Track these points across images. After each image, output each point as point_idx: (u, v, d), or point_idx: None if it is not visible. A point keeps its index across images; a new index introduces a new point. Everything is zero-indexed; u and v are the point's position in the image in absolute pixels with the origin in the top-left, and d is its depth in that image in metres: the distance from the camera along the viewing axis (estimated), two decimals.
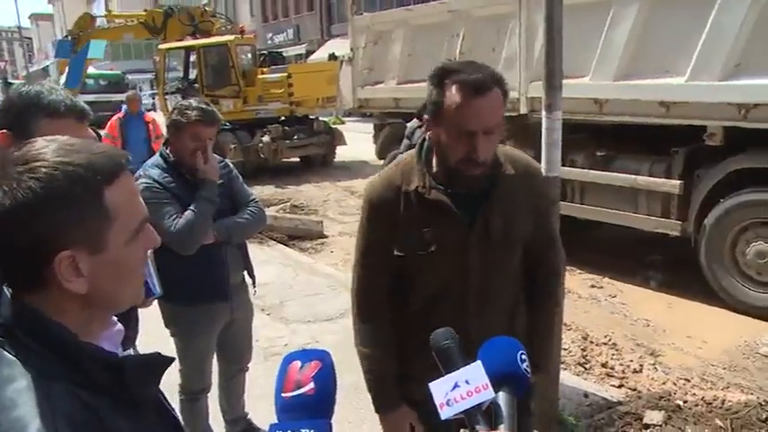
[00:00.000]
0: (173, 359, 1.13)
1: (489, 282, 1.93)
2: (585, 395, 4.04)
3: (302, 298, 6.00)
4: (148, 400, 1.10)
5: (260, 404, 3.72)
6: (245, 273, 3.40)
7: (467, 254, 1.89)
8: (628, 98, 5.96)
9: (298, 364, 1.13)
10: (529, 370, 1.20)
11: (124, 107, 9.38)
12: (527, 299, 2.08)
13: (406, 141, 4.71)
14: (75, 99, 1.97)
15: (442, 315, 1.87)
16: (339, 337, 5.08)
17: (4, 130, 1.83)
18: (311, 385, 1.10)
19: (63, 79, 16.37)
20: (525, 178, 1.94)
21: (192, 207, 2.96)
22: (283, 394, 1.11)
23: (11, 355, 0.97)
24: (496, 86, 1.77)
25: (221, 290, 3.16)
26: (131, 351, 1.17)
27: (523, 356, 1.20)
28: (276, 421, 1.09)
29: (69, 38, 17.10)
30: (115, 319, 1.17)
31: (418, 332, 2.04)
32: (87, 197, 0.98)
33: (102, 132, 8.40)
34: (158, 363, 1.10)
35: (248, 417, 3.71)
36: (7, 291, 1.02)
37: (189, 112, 2.98)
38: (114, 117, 9.27)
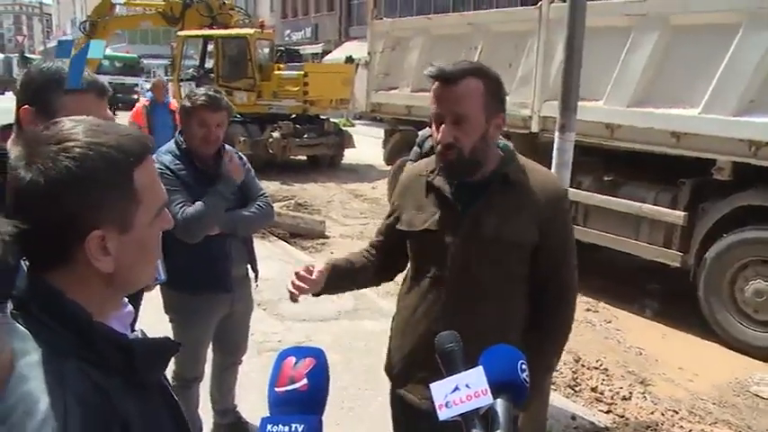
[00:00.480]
0: (180, 345, 1.15)
1: (472, 274, 1.98)
2: (573, 417, 4.05)
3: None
4: (154, 383, 1.12)
5: (250, 397, 3.74)
6: (249, 267, 3.41)
7: (451, 240, 1.99)
8: (640, 125, 5.98)
9: (292, 360, 1.14)
10: (528, 380, 1.22)
11: (149, 94, 9.11)
12: (533, 312, 2.07)
13: (416, 149, 4.71)
14: (95, 75, 2.01)
15: (422, 296, 2.09)
16: (333, 338, 5.10)
17: (26, 106, 1.85)
18: (304, 381, 1.12)
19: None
20: (537, 187, 1.98)
21: (204, 199, 2.98)
22: (276, 389, 1.12)
23: (24, 329, 0.98)
24: (471, 76, 1.88)
25: (223, 281, 3.18)
26: (138, 333, 1.18)
27: (523, 366, 1.22)
28: (268, 415, 1.11)
29: (87, 23, 17.24)
30: (126, 300, 1.19)
31: (401, 311, 2.20)
32: (119, 178, 1.00)
33: (128, 120, 8.32)
34: (167, 347, 1.13)
35: (237, 409, 3.73)
36: (24, 265, 1.03)
37: (195, 97, 3.05)
38: (139, 104, 9.04)
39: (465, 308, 1.99)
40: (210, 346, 3.44)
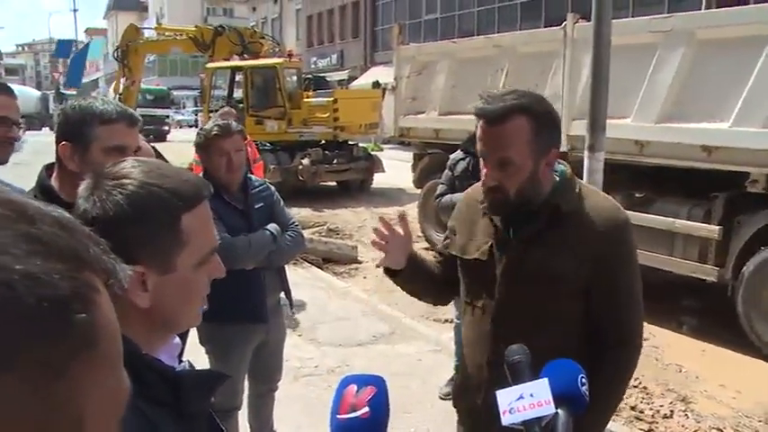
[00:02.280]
0: (227, 377, 1.18)
1: (518, 308, 1.89)
2: None
3: (334, 321, 6.05)
4: (202, 415, 1.14)
5: (288, 423, 3.78)
6: (283, 294, 3.46)
7: (499, 272, 1.91)
8: (669, 141, 5.95)
9: (354, 387, 1.17)
10: (587, 394, 1.27)
11: None
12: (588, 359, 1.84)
13: (447, 173, 4.76)
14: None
15: (475, 326, 2.01)
16: (369, 362, 5.12)
17: (64, 142, 1.97)
18: (366, 409, 1.14)
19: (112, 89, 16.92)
20: (592, 218, 1.84)
21: (260, 233, 3.09)
22: (338, 416, 1.15)
23: None
24: (516, 115, 1.75)
25: (258, 311, 3.21)
26: (185, 365, 1.22)
27: (583, 380, 1.28)
28: None
29: (118, 50, 17.66)
30: (176, 336, 1.22)
31: (464, 338, 2.12)
32: (165, 219, 1.05)
33: (193, 159, 7.88)
34: (213, 379, 1.16)
35: None
36: None
37: (207, 131, 3.14)
38: None
39: (512, 343, 1.91)
40: (246, 375, 3.48)
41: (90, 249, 0.49)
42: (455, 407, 2.17)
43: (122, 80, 17.96)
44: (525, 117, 1.75)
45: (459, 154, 4.64)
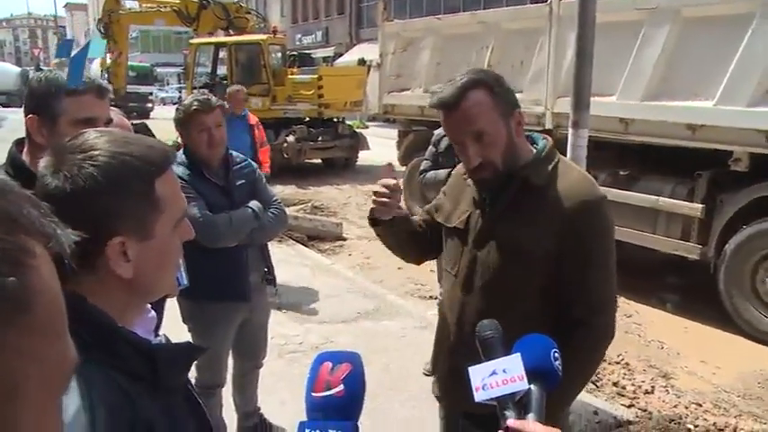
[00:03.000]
0: (203, 350, 1.18)
1: (486, 279, 1.93)
2: (596, 412, 4.04)
3: (319, 298, 6.05)
4: (179, 388, 1.15)
5: (273, 399, 3.79)
6: (265, 272, 3.45)
7: (471, 241, 1.97)
8: (654, 119, 5.96)
9: (329, 365, 1.17)
10: (561, 368, 1.27)
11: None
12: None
13: (431, 148, 4.75)
14: (94, 77, 2.07)
15: (448, 293, 2.07)
16: (354, 339, 5.13)
17: (32, 115, 1.93)
18: (341, 387, 1.14)
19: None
20: (564, 193, 1.85)
21: (241, 211, 3.07)
22: (313, 394, 1.15)
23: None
24: (471, 90, 1.80)
25: (241, 289, 3.20)
26: (161, 338, 1.21)
27: (556, 355, 1.28)
28: (305, 419, 1.14)
29: (101, 26, 17.35)
30: (149, 306, 1.21)
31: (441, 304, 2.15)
32: (141, 187, 1.04)
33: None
34: (189, 352, 1.16)
35: (260, 410, 3.77)
36: None
37: (186, 105, 3.09)
38: None
39: (480, 313, 1.85)
40: (230, 352, 3.47)
41: (25, 211, 0.47)
42: (432, 373, 2.23)
43: (108, 55, 17.63)
44: (479, 89, 1.81)
45: (442, 130, 4.62)
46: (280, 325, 5.13)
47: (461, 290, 1.99)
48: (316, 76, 14.41)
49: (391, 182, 1.99)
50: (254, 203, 3.16)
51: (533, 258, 1.85)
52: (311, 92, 14.10)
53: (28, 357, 0.45)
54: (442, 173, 4.29)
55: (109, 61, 17.70)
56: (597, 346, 1.93)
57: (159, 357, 1.05)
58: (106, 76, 17.55)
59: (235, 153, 3.29)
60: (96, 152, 1.03)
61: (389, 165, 2.09)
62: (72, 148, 1.04)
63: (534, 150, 1.93)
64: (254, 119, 7.15)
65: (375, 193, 2.01)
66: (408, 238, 2.18)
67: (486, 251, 1.92)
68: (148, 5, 17.40)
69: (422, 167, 4.82)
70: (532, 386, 1.22)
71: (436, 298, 4.61)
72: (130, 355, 1.02)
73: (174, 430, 1.06)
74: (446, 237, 2.09)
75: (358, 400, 1.16)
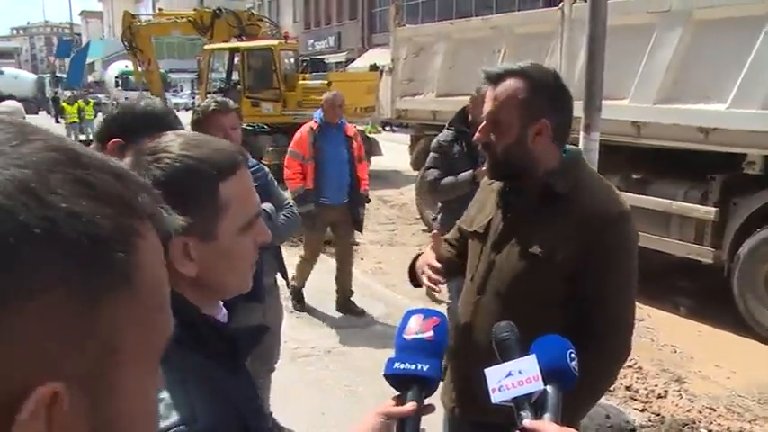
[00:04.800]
0: (268, 328, 1.28)
1: (501, 284, 1.91)
2: (608, 416, 4.04)
3: (332, 302, 6.07)
4: (245, 365, 1.23)
5: (285, 403, 3.80)
6: (278, 275, 3.47)
7: (488, 245, 1.96)
8: (667, 122, 5.94)
9: (421, 316, 1.30)
10: (577, 368, 1.28)
11: (318, 114, 6.01)
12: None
13: (434, 155, 4.70)
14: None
15: (465, 297, 2.07)
16: (367, 343, 5.15)
17: (118, 139, 1.95)
18: (431, 333, 1.26)
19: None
20: (587, 205, 1.82)
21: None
22: (405, 335, 1.27)
23: None
24: (511, 77, 1.81)
25: (255, 290, 3.21)
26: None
27: (572, 355, 1.29)
28: (393, 360, 1.25)
29: (125, 41, 17.89)
30: (221, 303, 1.26)
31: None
32: (203, 189, 1.08)
33: (290, 149, 6.02)
34: (260, 332, 1.26)
35: (272, 414, 3.78)
36: None
37: (204, 106, 3.17)
38: (305, 127, 5.97)
39: (493, 316, 1.82)
40: None
41: (140, 198, 0.53)
42: (442, 379, 2.19)
43: (139, 68, 18.14)
44: (519, 80, 1.80)
45: (448, 135, 4.60)
46: (293, 329, 5.15)
47: (476, 293, 1.98)
48: (325, 81, 14.45)
49: (437, 265, 1.99)
50: (267, 205, 3.19)
51: (549, 265, 1.82)
52: (321, 97, 14.13)
53: (127, 324, 0.51)
54: (464, 176, 4.23)
55: (141, 72, 18.15)
56: (608, 365, 1.89)
57: (239, 338, 1.15)
58: (143, 88, 18.20)
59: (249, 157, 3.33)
60: (164, 154, 1.08)
61: (436, 233, 2.13)
62: (147, 150, 1.11)
63: (562, 156, 1.90)
64: (351, 130, 6.09)
65: (425, 272, 2.01)
66: (452, 272, 2.18)
67: (504, 255, 1.91)
68: (165, 18, 17.86)
69: (430, 177, 4.59)
70: (548, 387, 1.23)
71: (443, 302, 4.57)
72: (213, 338, 1.09)
73: (250, 402, 1.16)
74: (469, 241, 2.09)
75: (443, 348, 1.29)
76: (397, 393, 1.25)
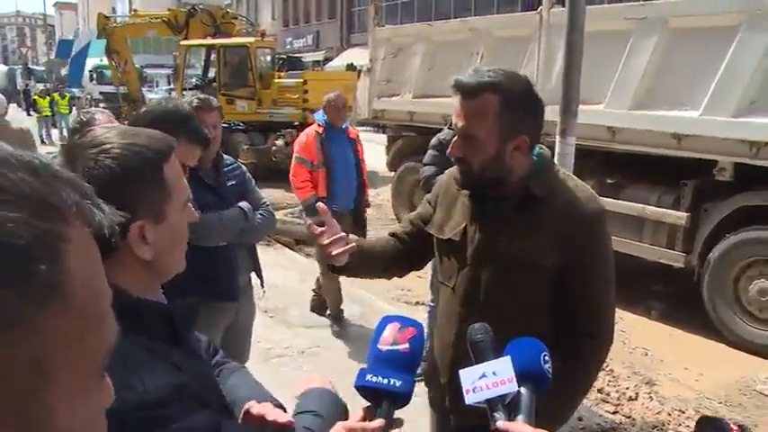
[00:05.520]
0: (202, 302, 1.29)
1: (484, 292, 1.89)
2: (580, 418, 4.07)
3: (306, 303, 6.05)
4: (190, 338, 1.29)
5: None
6: (253, 274, 3.45)
7: (468, 254, 1.91)
8: (641, 128, 6.02)
9: (397, 325, 1.28)
10: (551, 371, 1.28)
11: (320, 116, 5.59)
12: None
13: (433, 153, 4.69)
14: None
15: (446, 305, 2.02)
16: (342, 344, 5.14)
17: None
18: (406, 345, 1.24)
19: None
20: (564, 205, 1.82)
21: (231, 210, 3.08)
22: (380, 346, 1.25)
23: None
24: (488, 92, 1.73)
25: (229, 289, 3.20)
26: None
27: (546, 358, 1.30)
28: (366, 372, 1.23)
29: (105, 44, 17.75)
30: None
31: (438, 314, 2.13)
32: (153, 173, 1.13)
33: (295, 154, 5.58)
34: (195, 306, 1.29)
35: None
36: None
37: (188, 102, 3.11)
38: (309, 131, 5.57)
39: (462, 320, 1.88)
40: None
41: (63, 194, 0.48)
42: (426, 386, 2.17)
43: (117, 71, 17.95)
44: (495, 95, 1.73)
45: (448, 133, 4.60)
46: (266, 329, 5.13)
47: (461, 306, 1.92)
48: (301, 80, 14.41)
49: (320, 228, 1.90)
50: (243, 204, 3.18)
51: (536, 270, 1.82)
52: (296, 96, 14.09)
53: (61, 340, 0.46)
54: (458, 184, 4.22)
55: (119, 74, 18.00)
56: (600, 351, 1.92)
57: (176, 315, 1.19)
58: (122, 92, 18.04)
59: (225, 156, 3.30)
60: (108, 145, 1.11)
61: (320, 205, 1.97)
62: (85, 144, 1.13)
63: (534, 159, 1.87)
64: (354, 132, 5.79)
65: (318, 243, 1.94)
66: (381, 265, 2.13)
67: (488, 264, 1.87)
68: (140, 19, 17.73)
69: (426, 173, 4.59)
70: (522, 388, 1.23)
71: (423, 303, 4.58)
72: (152, 318, 1.14)
73: (205, 378, 1.21)
74: (439, 249, 2.04)
75: (417, 361, 1.27)
76: (368, 405, 1.25)
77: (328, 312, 5.57)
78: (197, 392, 1.11)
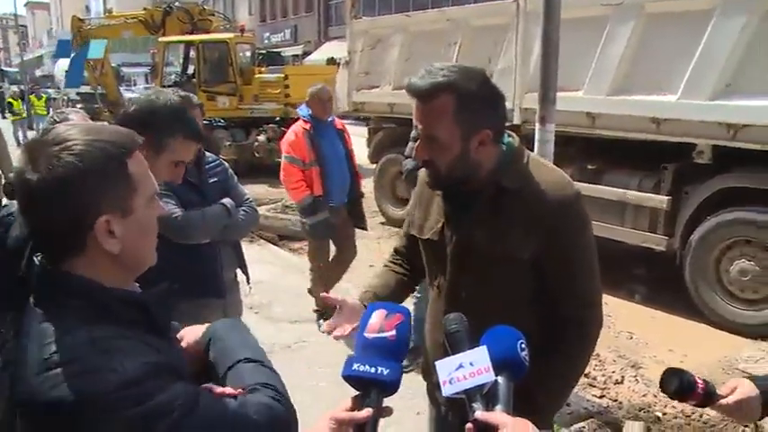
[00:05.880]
0: (176, 285, 1.30)
1: (467, 288, 1.87)
2: (567, 404, 4.09)
3: (290, 298, 6.03)
4: (168, 326, 1.31)
5: None
6: (238, 271, 3.43)
7: (448, 252, 1.90)
8: (620, 113, 6.05)
9: (384, 312, 1.28)
10: (527, 359, 1.28)
11: (303, 110, 5.42)
12: (540, 342, 1.69)
13: (412, 144, 4.70)
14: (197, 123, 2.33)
15: (433, 304, 2.03)
16: (326, 339, 5.11)
17: (143, 138, 2.02)
18: (393, 332, 1.24)
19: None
20: (538, 193, 1.78)
21: (214, 207, 3.06)
22: (366, 334, 1.25)
23: (52, 314, 1.13)
24: (442, 93, 1.70)
25: (216, 287, 3.17)
26: None
27: (523, 345, 1.29)
28: (353, 360, 1.23)
29: (76, 48, 17.47)
30: (136, 284, 1.32)
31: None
32: (117, 168, 1.15)
33: (284, 153, 5.41)
34: (170, 293, 1.31)
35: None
36: (36, 259, 1.18)
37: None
38: (296, 128, 5.33)
39: (471, 325, 1.88)
40: None
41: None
42: (424, 379, 2.18)
43: (95, 74, 17.64)
44: (450, 95, 1.70)
45: None
46: (251, 325, 5.01)
47: (446, 304, 1.91)
48: (282, 75, 14.34)
49: (335, 331, 1.93)
50: (226, 200, 3.15)
51: (520, 262, 1.80)
52: (278, 91, 14.03)
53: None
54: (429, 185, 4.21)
55: (96, 76, 17.71)
56: (590, 336, 1.88)
57: (149, 302, 1.21)
58: (100, 95, 17.79)
59: (207, 153, 3.27)
60: (71, 142, 1.11)
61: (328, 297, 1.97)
62: (46, 142, 1.13)
63: (503, 148, 1.84)
64: (340, 123, 5.60)
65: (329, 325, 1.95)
66: (396, 299, 2.06)
67: (467, 261, 1.86)
68: (115, 21, 17.47)
69: (407, 166, 4.51)
70: (499, 378, 1.22)
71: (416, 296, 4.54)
72: (122, 309, 1.16)
73: (169, 352, 1.22)
74: (423, 249, 2.03)
75: (405, 348, 1.26)
76: (357, 393, 1.24)
77: (314, 308, 5.55)
78: (171, 367, 1.16)
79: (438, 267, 1.96)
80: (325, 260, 5.58)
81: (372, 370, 1.20)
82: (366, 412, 1.19)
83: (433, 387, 2.07)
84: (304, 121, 5.31)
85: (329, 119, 5.40)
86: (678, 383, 1.59)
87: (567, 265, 1.82)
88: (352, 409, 1.22)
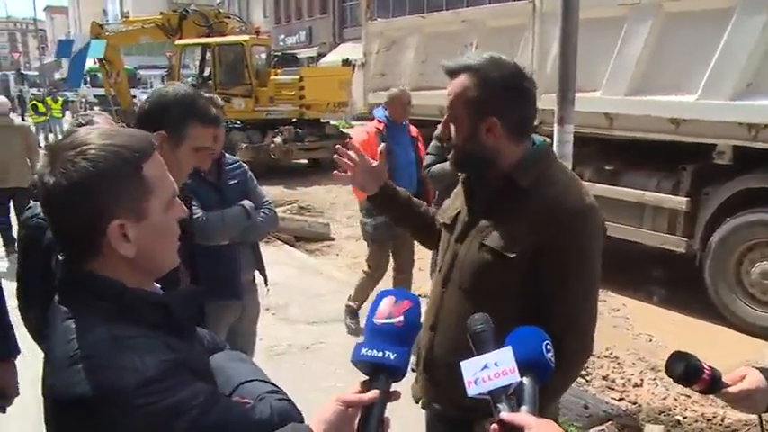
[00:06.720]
0: (202, 290, 1.32)
1: (462, 276, 1.89)
2: (586, 406, 4.07)
3: (307, 299, 6.04)
4: (192, 330, 1.32)
5: None
6: (257, 272, 3.44)
7: (454, 238, 1.97)
8: (638, 114, 6.00)
9: (392, 298, 1.28)
10: (553, 360, 1.27)
11: (380, 111, 5.30)
12: None
13: (435, 143, 4.71)
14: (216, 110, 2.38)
15: (434, 288, 2.07)
16: (343, 340, 5.12)
17: (162, 132, 2.06)
18: (401, 318, 1.25)
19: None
20: (548, 199, 1.76)
21: (233, 209, 3.08)
22: (375, 319, 1.26)
23: (76, 312, 1.15)
24: (464, 73, 1.81)
25: (234, 288, 3.18)
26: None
27: (548, 346, 1.28)
28: (361, 345, 1.25)
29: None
30: (157, 285, 1.32)
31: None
32: (130, 172, 1.15)
33: (353, 153, 4.24)
34: (196, 295, 1.32)
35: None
36: (60, 259, 1.20)
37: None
38: (369, 128, 5.24)
39: (455, 312, 1.88)
40: None
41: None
42: (414, 370, 2.16)
43: (109, 80, 17.82)
44: (470, 77, 1.80)
45: None
46: (268, 326, 5.11)
47: (441, 285, 1.99)
48: (297, 77, 14.38)
49: (352, 155, 2.10)
50: (246, 202, 3.17)
51: (505, 259, 1.77)
52: (293, 93, 14.08)
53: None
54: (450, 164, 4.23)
55: (112, 83, 17.87)
56: (569, 365, 1.77)
57: (171, 303, 1.22)
58: (112, 100, 17.99)
59: (227, 155, 3.29)
60: (86, 146, 1.13)
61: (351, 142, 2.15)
62: (65, 146, 1.15)
63: (528, 148, 1.85)
64: (415, 131, 5.44)
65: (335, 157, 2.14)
66: (412, 220, 2.26)
67: (465, 247, 1.90)
68: (132, 26, 17.65)
69: (426, 162, 4.77)
70: (524, 378, 1.22)
71: (425, 296, 4.54)
72: (144, 310, 1.18)
73: (190, 353, 1.23)
74: (442, 236, 2.10)
75: (413, 333, 1.27)
76: (366, 378, 1.25)
77: (347, 303, 5.47)
78: (191, 366, 1.17)
79: (443, 251, 2.04)
80: (384, 266, 5.44)
81: (380, 354, 1.21)
82: (373, 393, 1.20)
83: (420, 379, 2.09)
84: (378, 121, 5.22)
85: (404, 123, 5.30)
86: (684, 367, 1.56)
87: (560, 282, 1.76)
88: (361, 393, 1.22)
